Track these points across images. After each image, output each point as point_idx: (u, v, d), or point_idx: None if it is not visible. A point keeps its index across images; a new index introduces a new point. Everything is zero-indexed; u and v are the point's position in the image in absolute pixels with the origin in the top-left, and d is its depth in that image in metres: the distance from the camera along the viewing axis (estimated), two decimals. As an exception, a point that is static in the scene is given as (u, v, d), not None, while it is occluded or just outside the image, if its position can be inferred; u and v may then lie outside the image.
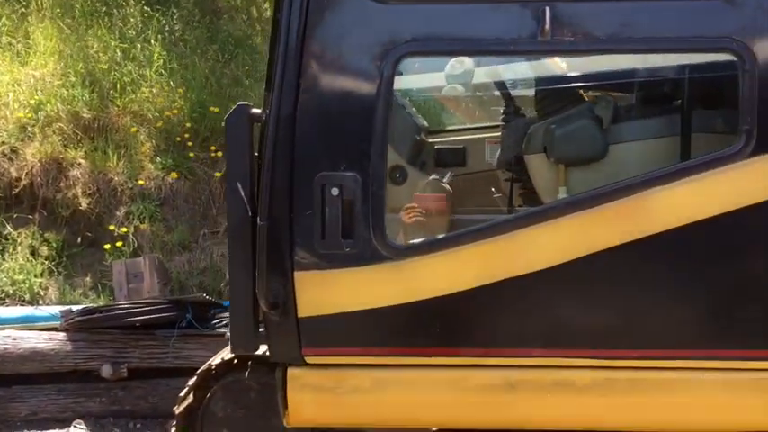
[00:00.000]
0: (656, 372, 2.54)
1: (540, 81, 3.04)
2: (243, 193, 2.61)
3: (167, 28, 7.93)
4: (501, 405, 2.57)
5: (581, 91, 3.12)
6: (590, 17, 2.52)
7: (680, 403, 2.54)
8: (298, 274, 2.59)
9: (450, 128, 4.29)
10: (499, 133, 3.63)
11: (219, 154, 6.97)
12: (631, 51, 2.67)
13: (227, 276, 2.76)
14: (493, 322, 2.59)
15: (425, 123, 4.02)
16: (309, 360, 2.62)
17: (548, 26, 2.48)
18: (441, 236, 2.68)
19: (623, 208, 2.51)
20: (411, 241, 2.68)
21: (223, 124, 2.76)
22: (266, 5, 9.60)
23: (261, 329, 2.70)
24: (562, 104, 2.95)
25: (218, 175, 6.80)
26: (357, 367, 2.62)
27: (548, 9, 2.47)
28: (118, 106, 6.96)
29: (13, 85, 6.96)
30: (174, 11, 8.17)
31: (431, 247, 2.62)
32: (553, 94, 3.00)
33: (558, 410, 2.58)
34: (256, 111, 2.69)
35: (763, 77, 2.44)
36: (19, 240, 6.34)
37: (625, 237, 2.50)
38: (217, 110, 7.11)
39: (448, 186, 3.58)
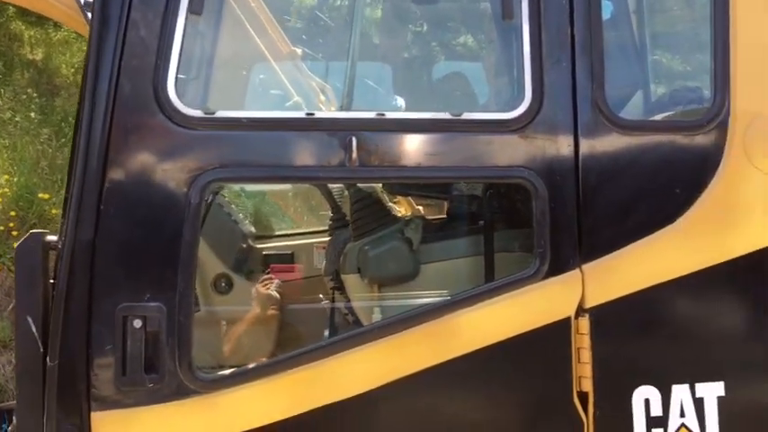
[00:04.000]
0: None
1: (353, 201, 3.10)
2: (34, 328, 2.42)
3: (-4, 106, 7.47)
4: None
5: (392, 212, 3.21)
6: (396, 147, 2.62)
7: None
8: (96, 415, 2.41)
9: (278, 233, 4.27)
10: (327, 238, 3.65)
11: (49, 243, 6.53)
12: (436, 179, 2.80)
13: (14, 419, 2.53)
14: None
15: (252, 229, 3.98)
16: None
17: (355, 155, 2.54)
18: (251, 365, 2.61)
19: (432, 330, 2.57)
20: (220, 373, 2.59)
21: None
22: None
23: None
24: (374, 225, 3.02)
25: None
26: None
27: (354, 138, 2.54)
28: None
29: None
30: (3, 90, 7.72)
31: (240, 378, 2.54)
32: (365, 215, 3.07)
33: None
34: (52, 238, 2.53)
35: (554, 204, 2.63)
36: None
37: (434, 359, 2.56)
38: (47, 196, 6.71)
39: (276, 294, 3.53)
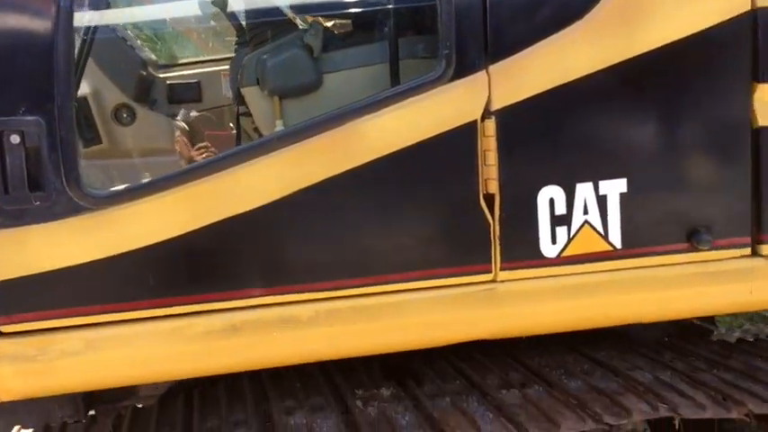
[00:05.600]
0: (376, 297, 2.59)
1: (249, 10, 2.89)
2: None
3: None
4: (226, 349, 2.51)
5: (290, 19, 3.02)
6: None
7: (400, 324, 2.63)
8: (-20, 236, 2.30)
9: (183, 61, 4.04)
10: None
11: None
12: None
13: None
14: (209, 266, 2.49)
15: (153, 57, 3.74)
16: (4, 329, 2.36)
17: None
18: (145, 180, 2.50)
19: (335, 138, 2.49)
20: (112, 189, 2.48)
21: None
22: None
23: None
24: (272, 33, 2.84)
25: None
26: (64, 330, 2.40)
27: None
28: None
29: None
30: None
31: (136, 192, 2.43)
32: (262, 23, 2.87)
33: (286, 347, 2.57)
34: None
35: (459, 3, 2.49)
36: None
37: (338, 167, 2.49)
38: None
39: (184, 124, 3.39)
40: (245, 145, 2.58)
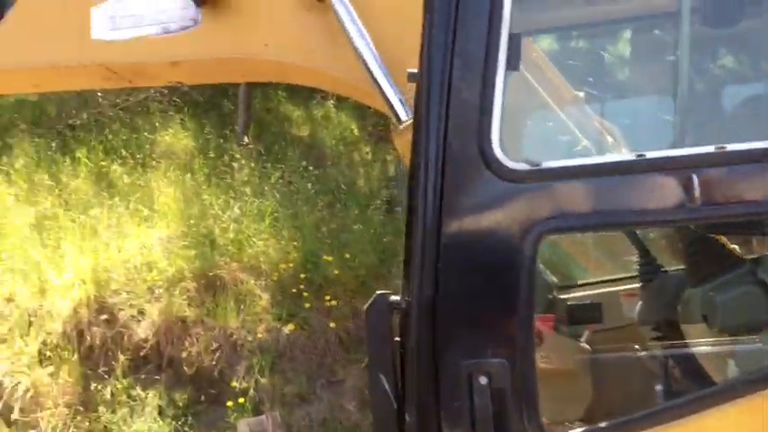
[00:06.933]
0: None
1: (688, 244, 2.87)
2: (387, 386, 2.53)
3: (280, 180, 8.34)
4: None
5: (735, 252, 2.92)
6: (740, 179, 2.39)
7: None
8: (451, 471, 2.43)
9: (580, 282, 4.14)
10: (636, 285, 3.45)
11: (334, 302, 7.05)
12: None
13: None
14: None
15: (555, 279, 3.90)
16: None
17: (697, 193, 2.35)
18: (602, 424, 2.47)
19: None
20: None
21: (363, 314, 2.73)
22: (367, 149, 9.99)
23: None
24: (717, 268, 2.76)
25: (332, 325, 6.84)
26: None
27: (695, 176, 2.36)
28: (237, 262, 7.24)
29: (141, 248, 7.41)
30: (282, 165, 8.60)
31: (592, 435, 2.42)
32: (704, 257, 2.82)
33: None
34: (395, 298, 2.65)
35: None
36: (147, 401, 6.50)
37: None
38: (329, 258, 7.27)
39: (587, 345, 3.40)
40: (707, 390, 2.45)
